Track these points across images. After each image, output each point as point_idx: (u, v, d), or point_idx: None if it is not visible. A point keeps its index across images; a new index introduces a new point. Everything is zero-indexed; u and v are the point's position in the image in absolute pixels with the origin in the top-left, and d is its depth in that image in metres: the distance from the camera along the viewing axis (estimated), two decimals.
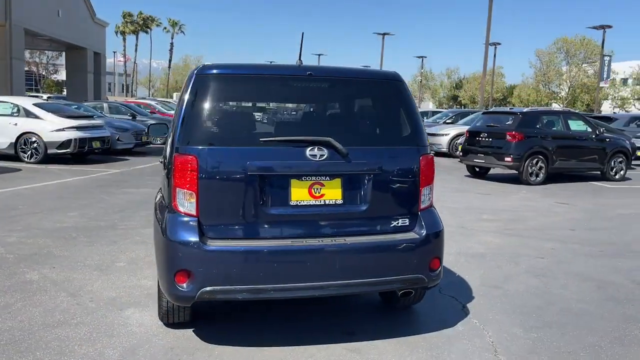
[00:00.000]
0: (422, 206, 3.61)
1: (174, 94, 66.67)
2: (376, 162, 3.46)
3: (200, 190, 3.25)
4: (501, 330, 3.84)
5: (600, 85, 42.40)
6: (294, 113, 3.66)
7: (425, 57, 65.44)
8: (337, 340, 3.58)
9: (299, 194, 3.36)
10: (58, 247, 5.71)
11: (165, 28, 79.94)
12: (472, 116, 19.13)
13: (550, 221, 7.96)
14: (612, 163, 13.15)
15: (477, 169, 13.33)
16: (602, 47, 41.96)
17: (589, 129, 12.95)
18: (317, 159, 3.35)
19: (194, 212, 3.27)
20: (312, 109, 3.78)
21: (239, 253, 3.22)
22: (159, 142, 18.72)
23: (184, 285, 3.20)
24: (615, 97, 54.11)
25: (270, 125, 3.51)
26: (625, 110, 49.02)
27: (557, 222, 7.90)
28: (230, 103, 3.56)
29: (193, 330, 3.69)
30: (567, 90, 49.42)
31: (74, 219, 7.07)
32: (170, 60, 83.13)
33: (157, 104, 27.02)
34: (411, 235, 3.52)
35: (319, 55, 63.18)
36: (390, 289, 3.53)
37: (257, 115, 3.62)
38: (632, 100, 54.93)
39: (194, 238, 3.21)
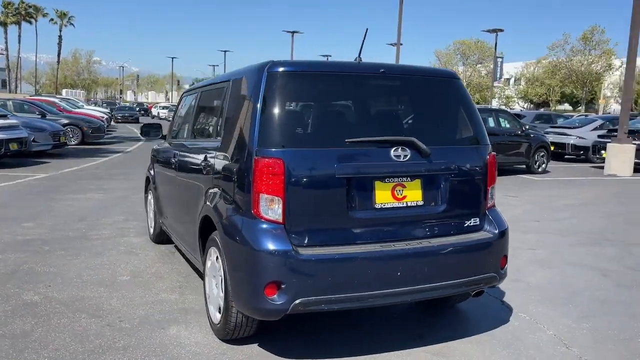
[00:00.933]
0: (489, 205, 3.62)
1: (64, 91, 62.18)
2: (452, 161, 3.41)
3: (286, 195, 3.02)
4: (553, 322, 3.95)
5: (495, 84, 45.50)
6: (370, 112, 3.51)
7: (330, 55, 66.58)
8: (413, 345, 3.50)
9: (383, 196, 3.23)
10: (38, 263, 5.09)
11: (52, 19, 74.47)
12: None
13: (512, 214, 8.36)
14: (536, 157, 14.11)
15: None
16: (495, 49, 44.99)
17: (517, 126, 13.82)
18: (401, 160, 3.24)
19: (280, 219, 3.03)
20: (387, 108, 3.65)
21: (333, 261, 3.02)
22: (73, 142, 17.63)
23: (275, 297, 2.96)
24: (501, 95, 58.18)
25: (349, 125, 3.34)
26: (510, 108, 52.76)
27: (519, 215, 8.32)
28: (307, 102, 3.34)
29: (258, 345, 3.43)
30: None
31: (34, 230, 6.35)
32: (59, 54, 77.58)
33: (60, 101, 25.12)
34: (485, 234, 3.51)
35: (225, 51, 62.02)
36: (472, 290, 3.50)
37: (334, 114, 3.43)
38: (516, 99, 59.39)
39: (285, 247, 2.97)
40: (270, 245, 2.98)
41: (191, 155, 4.22)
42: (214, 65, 79.70)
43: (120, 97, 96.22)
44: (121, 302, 4.14)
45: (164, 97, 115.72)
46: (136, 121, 40.08)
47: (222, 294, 3.37)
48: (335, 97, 3.39)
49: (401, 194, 3.27)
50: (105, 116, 26.71)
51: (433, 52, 56.22)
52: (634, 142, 14.54)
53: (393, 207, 3.25)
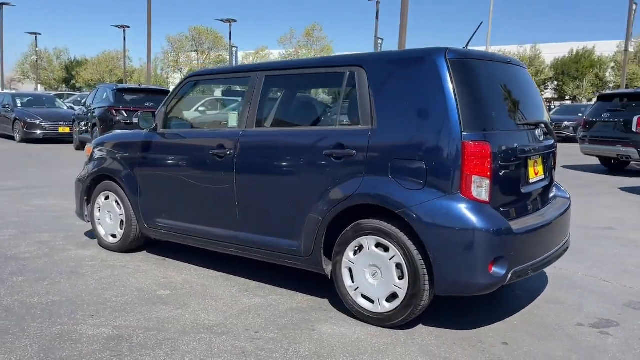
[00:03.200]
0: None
1: None
2: (551, 140, 4.03)
3: (491, 175, 3.21)
4: None
5: None
6: (516, 96, 3.75)
7: (40, 34, 58.78)
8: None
9: (532, 172, 3.67)
10: (30, 294, 3.91)
11: None
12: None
13: None
14: None
15: None
16: (230, 38, 46.46)
17: None
18: (540, 139, 3.73)
19: (487, 199, 3.20)
20: (521, 93, 3.90)
21: (532, 231, 3.36)
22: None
23: (497, 271, 3.14)
24: None
25: (510, 109, 3.59)
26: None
27: None
28: (482, 88, 3.46)
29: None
30: None
31: None
32: None
33: None
34: (565, 200, 4.21)
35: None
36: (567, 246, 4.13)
37: (502, 99, 3.62)
38: None
39: (504, 224, 3.18)
40: (493, 224, 3.14)
41: (298, 142, 3.83)
42: None
43: None
44: (208, 318, 3.59)
45: None
46: None
47: (398, 282, 3.33)
48: (497, 83, 3.60)
49: (536, 170, 3.75)
50: None
51: (165, 36, 54.66)
52: None
53: (535, 182, 3.72)
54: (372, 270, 3.46)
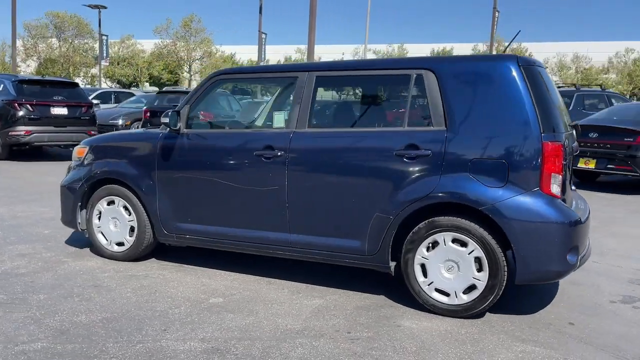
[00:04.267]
0: None
1: None
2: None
3: (562, 173, 3.55)
4: None
5: (102, 63, 43.92)
6: (558, 99, 4.04)
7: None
8: None
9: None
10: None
11: None
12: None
13: None
14: None
15: None
16: (100, 26, 43.34)
17: None
18: (575, 139, 4.18)
19: (559, 194, 3.53)
20: (557, 95, 4.19)
21: (587, 221, 3.78)
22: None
23: (571, 259, 3.49)
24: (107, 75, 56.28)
25: (558, 111, 3.86)
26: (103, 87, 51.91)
27: None
28: (546, 91, 3.69)
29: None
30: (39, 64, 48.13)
31: None
32: None
33: None
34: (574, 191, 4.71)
35: None
36: None
37: (551, 102, 3.87)
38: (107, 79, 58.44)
39: (576, 215, 3.53)
40: (569, 217, 3.48)
41: (364, 143, 3.87)
42: None
43: None
44: (294, 323, 3.55)
45: None
46: None
47: (477, 274, 3.56)
48: (548, 87, 3.87)
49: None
50: None
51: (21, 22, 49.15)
52: None
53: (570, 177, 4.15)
54: (448, 265, 3.65)
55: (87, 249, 5.04)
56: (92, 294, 3.94)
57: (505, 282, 3.56)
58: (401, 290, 3.99)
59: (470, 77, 3.66)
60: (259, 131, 4.35)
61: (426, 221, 3.67)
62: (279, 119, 4.25)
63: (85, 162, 4.82)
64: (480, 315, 3.67)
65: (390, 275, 3.95)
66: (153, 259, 4.82)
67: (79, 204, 4.82)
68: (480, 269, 3.57)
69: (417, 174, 3.68)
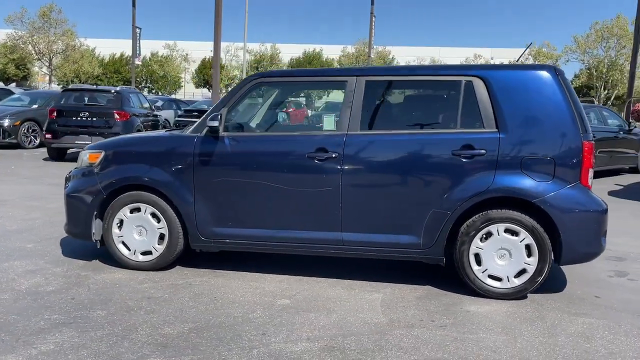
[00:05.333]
0: None
1: None
2: None
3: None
4: None
5: None
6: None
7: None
8: None
9: None
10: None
11: None
12: None
13: None
14: None
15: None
16: None
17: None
18: None
19: (591, 185, 4.10)
20: None
21: None
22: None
23: (603, 240, 4.08)
24: None
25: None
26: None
27: None
28: (575, 97, 4.20)
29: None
30: None
31: None
32: None
33: None
34: None
35: None
36: None
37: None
38: None
39: (606, 204, 4.11)
40: (603, 205, 4.06)
41: (420, 144, 4.12)
42: None
43: None
44: (346, 324, 3.73)
45: None
46: None
47: (528, 259, 4.00)
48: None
49: None
50: None
51: None
52: None
53: None
54: (500, 253, 4.06)
55: (97, 261, 4.72)
56: (152, 306, 3.75)
57: (550, 265, 4.05)
58: (445, 279, 4.34)
59: (516, 84, 4.10)
60: (309, 134, 4.40)
61: (480, 214, 4.05)
62: (330, 122, 4.35)
63: (101, 167, 4.50)
64: (524, 297, 4.13)
65: (432, 265, 4.28)
66: (178, 267, 4.64)
67: (95, 213, 4.48)
68: (529, 255, 4.02)
69: (473, 172, 4.03)
